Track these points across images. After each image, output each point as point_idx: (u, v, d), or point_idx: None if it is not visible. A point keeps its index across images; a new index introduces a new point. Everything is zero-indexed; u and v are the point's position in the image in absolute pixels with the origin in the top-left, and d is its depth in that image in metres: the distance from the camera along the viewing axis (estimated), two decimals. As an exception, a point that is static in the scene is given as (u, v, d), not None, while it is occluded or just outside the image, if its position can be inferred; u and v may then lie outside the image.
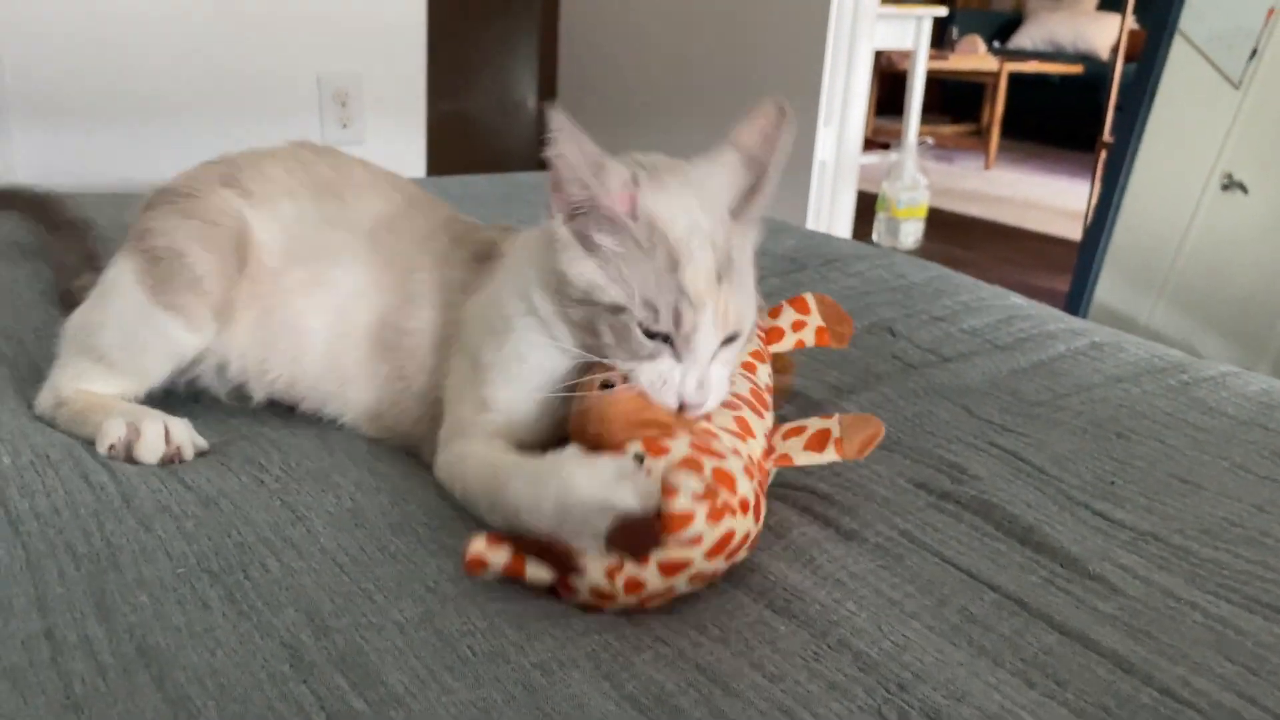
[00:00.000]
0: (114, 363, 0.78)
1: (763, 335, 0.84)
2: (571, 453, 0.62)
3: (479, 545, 0.59)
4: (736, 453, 0.65)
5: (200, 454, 0.75)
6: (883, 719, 0.54)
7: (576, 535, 0.59)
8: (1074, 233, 3.89)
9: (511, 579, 0.60)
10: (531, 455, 0.66)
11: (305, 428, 0.80)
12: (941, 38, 5.66)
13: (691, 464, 0.61)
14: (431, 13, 2.33)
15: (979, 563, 0.69)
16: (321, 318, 0.79)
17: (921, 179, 3.59)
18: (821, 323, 0.86)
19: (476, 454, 0.69)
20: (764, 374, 0.78)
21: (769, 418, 0.74)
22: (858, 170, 3.05)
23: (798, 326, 0.86)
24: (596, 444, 0.63)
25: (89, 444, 0.74)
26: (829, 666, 0.57)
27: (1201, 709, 0.55)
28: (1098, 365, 1.02)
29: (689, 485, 0.57)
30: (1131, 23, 3.39)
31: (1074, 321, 1.14)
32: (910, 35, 3.70)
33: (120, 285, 0.79)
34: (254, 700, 0.51)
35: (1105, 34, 5.75)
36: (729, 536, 0.60)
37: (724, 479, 0.61)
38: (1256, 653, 0.60)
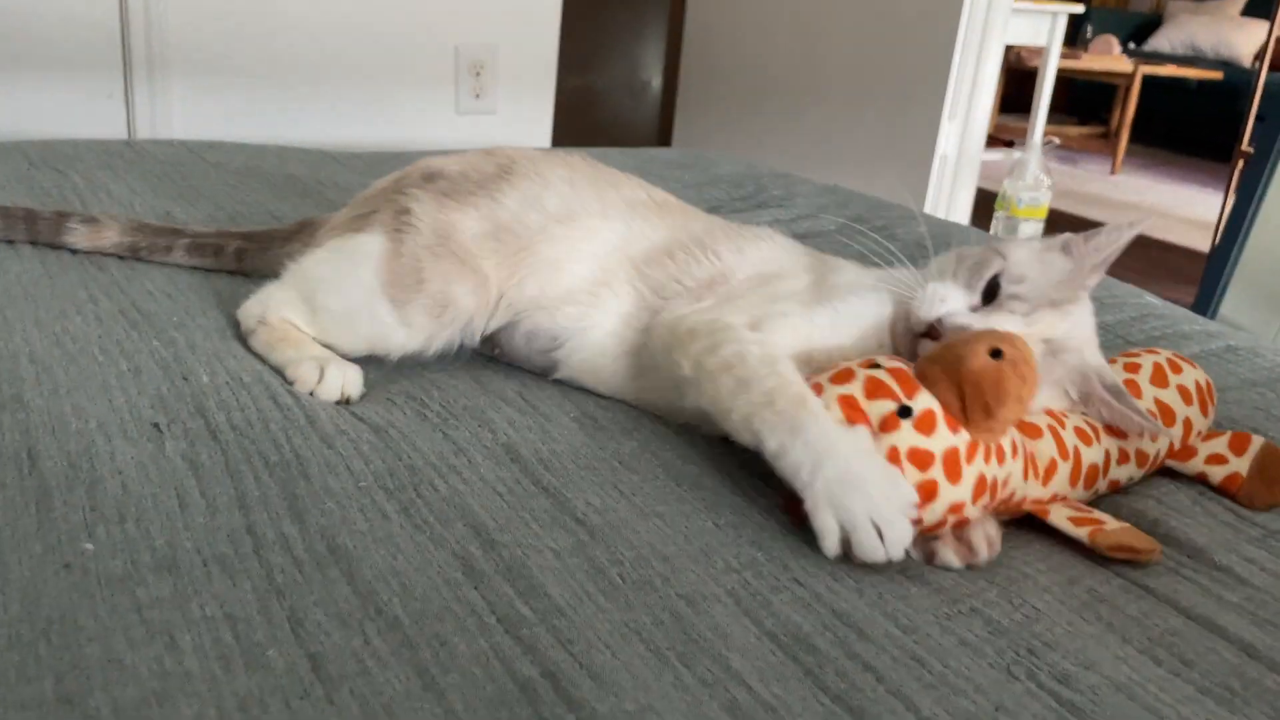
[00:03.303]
0: (322, 322, 0.84)
1: (1166, 447, 0.79)
2: (852, 440, 0.65)
3: None
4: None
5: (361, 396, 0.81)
6: (1012, 676, 0.56)
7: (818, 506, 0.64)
8: (1202, 244, 3.76)
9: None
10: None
11: (461, 371, 0.85)
12: (1075, 35, 5.50)
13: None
14: (568, -9, 2.39)
15: (1105, 550, 0.70)
16: (594, 245, 0.87)
17: (1044, 179, 3.51)
18: (1242, 471, 0.78)
19: (758, 340, 0.73)
20: (1091, 454, 0.74)
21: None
22: (979, 167, 3.01)
23: (1214, 460, 0.79)
24: (979, 408, 0.66)
25: (274, 370, 0.81)
26: (960, 626, 0.60)
27: (1331, 696, 0.56)
28: (1232, 368, 1.01)
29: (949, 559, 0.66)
30: (1279, 30, 3.26)
31: (1208, 324, 1.13)
32: (1043, 31, 3.62)
33: (363, 258, 0.84)
34: (433, 600, 0.56)
35: (1249, 40, 5.51)
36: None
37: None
38: (1389, 651, 0.61)
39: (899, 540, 0.63)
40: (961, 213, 2.92)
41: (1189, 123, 5.63)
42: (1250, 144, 3.10)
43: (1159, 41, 5.91)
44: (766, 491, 0.72)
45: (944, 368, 0.67)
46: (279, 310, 0.84)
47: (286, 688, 0.49)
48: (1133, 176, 5.21)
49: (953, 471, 0.65)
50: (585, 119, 3.35)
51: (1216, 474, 0.78)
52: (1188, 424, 0.80)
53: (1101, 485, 0.75)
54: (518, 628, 0.55)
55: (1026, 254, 0.78)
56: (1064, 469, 0.72)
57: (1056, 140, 5.18)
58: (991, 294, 0.76)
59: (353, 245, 0.86)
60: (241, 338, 0.85)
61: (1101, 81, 5.55)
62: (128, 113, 1.97)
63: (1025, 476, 0.70)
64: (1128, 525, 0.70)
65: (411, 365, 0.86)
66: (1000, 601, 0.63)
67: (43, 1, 1.83)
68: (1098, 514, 0.71)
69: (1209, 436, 0.81)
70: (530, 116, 2.43)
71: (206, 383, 0.76)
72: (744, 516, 0.69)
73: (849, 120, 2.96)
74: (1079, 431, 0.74)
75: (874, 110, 2.90)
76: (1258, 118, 3.16)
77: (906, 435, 0.65)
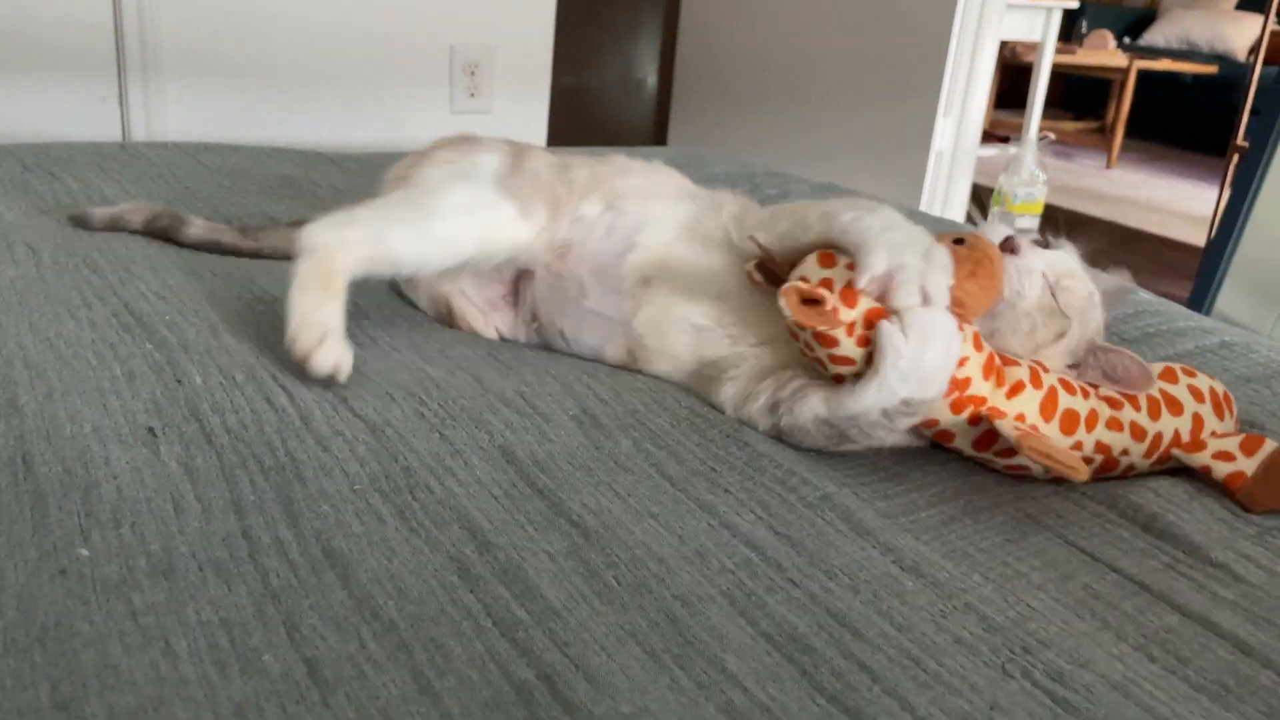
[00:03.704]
0: (436, 215, 0.88)
1: (1174, 443, 0.79)
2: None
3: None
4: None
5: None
6: (1007, 675, 0.56)
7: None
8: (1197, 238, 3.77)
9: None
10: None
11: (462, 371, 0.85)
12: (1070, 31, 5.50)
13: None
14: (562, -11, 2.39)
15: (1101, 547, 0.71)
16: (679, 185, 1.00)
17: (1040, 175, 3.52)
18: (1248, 471, 0.77)
19: None
20: (1070, 399, 0.77)
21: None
22: (974, 163, 3.01)
23: (1221, 456, 0.78)
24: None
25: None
26: (955, 624, 0.60)
27: (1325, 693, 0.57)
28: (1227, 364, 1.01)
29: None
30: (1273, 23, 3.26)
31: (1203, 320, 1.13)
32: (1038, 27, 3.62)
33: (479, 171, 0.93)
34: (428, 603, 0.56)
35: (1244, 34, 5.52)
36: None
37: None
38: (1384, 647, 0.61)
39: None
40: (957, 209, 2.92)
41: (1184, 117, 5.64)
42: (1245, 138, 3.10)
43: (1154, 36, 5.92)
44: (759, 490, 0.72)
45: None
46: (357, 249, 0.84)
47: (282, 692, 0.49)
48: (1128, 171, 5.22)
49: None
50: (580, 118, 3.35)
51: (1221, 469, 0.78)
52: (1197, 419, 0.80)
53: (1085, 439, 0.75)
54: (514, 630, 0.55)
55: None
56: (1031, 394, 0.74)
57: (1052, 135, 5.18)
58: None
59: (472, 159, 0.94)
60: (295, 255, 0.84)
61: (1097, 76, 5.55)
62: (122, 115, 1.97)
63: (985, 377, 0.74)
64: (1067, 450, 0.72)
65: (415, 361, 0.86)
66: (995, 598, 0.63)
67: (36, 4, 1.82)
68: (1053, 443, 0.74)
69: (1223, 436, 0.81)
70: (525, 116, 2.42)
71: (200, 384, 0.76)
72: (738, 515, 0.69)
73: (845, 117, 2.96)
74: (1064, 381, 0.76)
75: (870, 107, 2.90)
76: (1253, 112, 3.15)
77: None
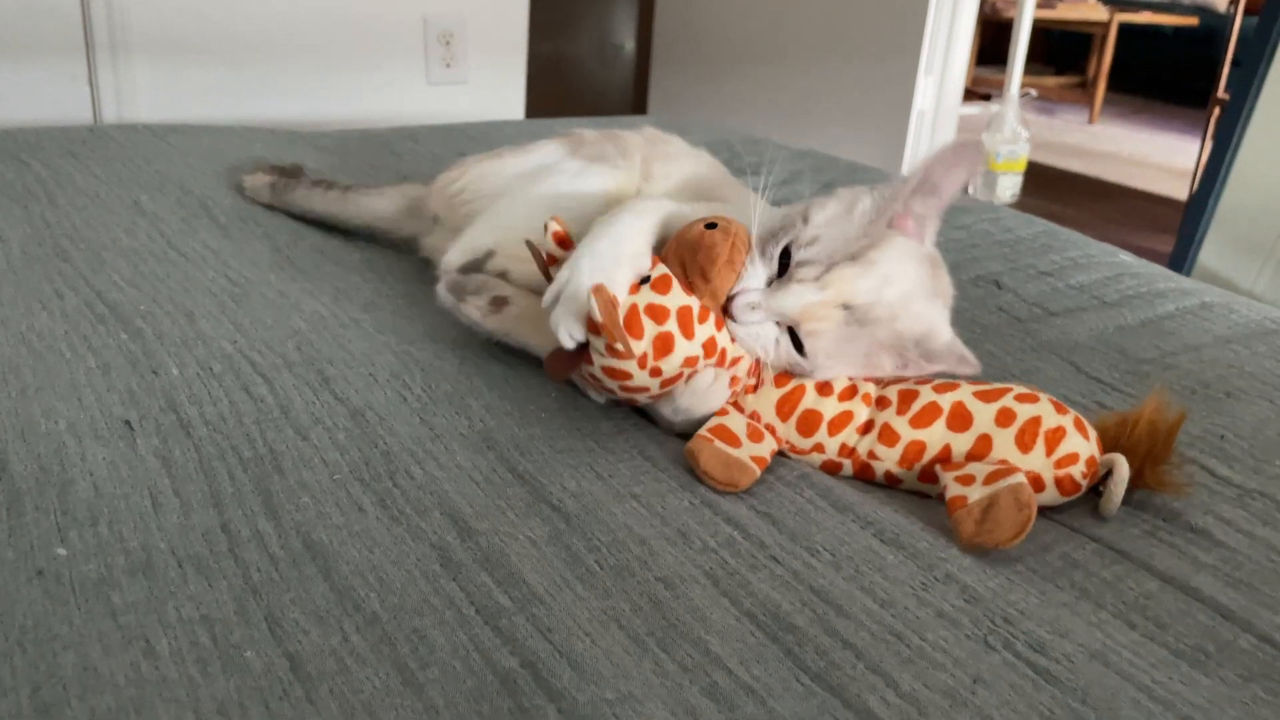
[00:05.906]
0: (561, 204, 0.88)
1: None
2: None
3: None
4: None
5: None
6: (989, 647, 0.57)
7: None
8: (1180, 192, 3.77)
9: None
10: None
11: (449, 353, 0.85)
12: (1050, -15, 5.46)
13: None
14: (536, -45, 2.35)
15: (1078, 517, 0.71)
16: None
17: (1022, 132, 3.51)
18: (969, 496, 0.67)
19: None
20: (816, 400, 0.74)
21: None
22: (957, 121, 2.99)
23: (963, 480, 0.69)
24: (697, 272, 0.72)
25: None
26: (936, 596, 0.61)
27: (1302, 656, 0.57)
28: (1207, 325, 1.01)
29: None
30: (1255, -27, 3.25)
31: (1183, 281, 1.13)
32: (1019, -18, 3.59)
33: (555, 157, 0.96)
34: (410, 593, 0.56)
35: (1225, -16, 5.48)
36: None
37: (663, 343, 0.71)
38: (1360, 608, 0.61)
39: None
40: (940, 169, 2.91)
41: (1165, 69, 5.62)
42: (1226, 90, 3.09)
43: (1135, -13, 5.88)
44: (744, 468, 0.72)
45: (674, 244, 0.73)
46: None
47: (265, 689, 0.49)
48: (1111, 125, 5.20)
49: (686, 327, 0.71)
50: (558, 86, 3.31)
51: (952, 490, 0.69)
52: (983, 440, 0.71)
53: (828, 442, 0.73)
54: (496, 618, 0.55)
55: (831, 210, 0.74)
56: (769, 392, 0.75)
57: (1034, 92, 5.16)
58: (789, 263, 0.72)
59: (538, 154, 0.98)
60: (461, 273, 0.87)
61: (1078, 31, 5.52)
62: (92, 94, 1.94)
63: (748, 374, 0.75)
64: (739, 460, 0.71)
65: (402, 344, 0.86)
66: (974, 568, 0.64)
67: (-2, -17, 1.79)
68: (741, 445, 0.72)
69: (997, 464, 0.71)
70: (501, 85, 2.40)
71: (177, 375, 0.76)
72: (719, 494, 0.69)
73: (827, 78, 2.94)
74: (823, 384, 0.74)
75: (851, 68, 2.88)
76: (1233, 63, 3.15)
77: (645, 295, 0.71)
